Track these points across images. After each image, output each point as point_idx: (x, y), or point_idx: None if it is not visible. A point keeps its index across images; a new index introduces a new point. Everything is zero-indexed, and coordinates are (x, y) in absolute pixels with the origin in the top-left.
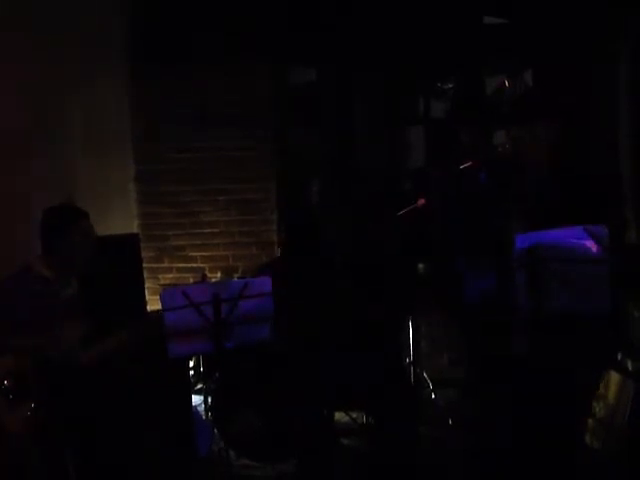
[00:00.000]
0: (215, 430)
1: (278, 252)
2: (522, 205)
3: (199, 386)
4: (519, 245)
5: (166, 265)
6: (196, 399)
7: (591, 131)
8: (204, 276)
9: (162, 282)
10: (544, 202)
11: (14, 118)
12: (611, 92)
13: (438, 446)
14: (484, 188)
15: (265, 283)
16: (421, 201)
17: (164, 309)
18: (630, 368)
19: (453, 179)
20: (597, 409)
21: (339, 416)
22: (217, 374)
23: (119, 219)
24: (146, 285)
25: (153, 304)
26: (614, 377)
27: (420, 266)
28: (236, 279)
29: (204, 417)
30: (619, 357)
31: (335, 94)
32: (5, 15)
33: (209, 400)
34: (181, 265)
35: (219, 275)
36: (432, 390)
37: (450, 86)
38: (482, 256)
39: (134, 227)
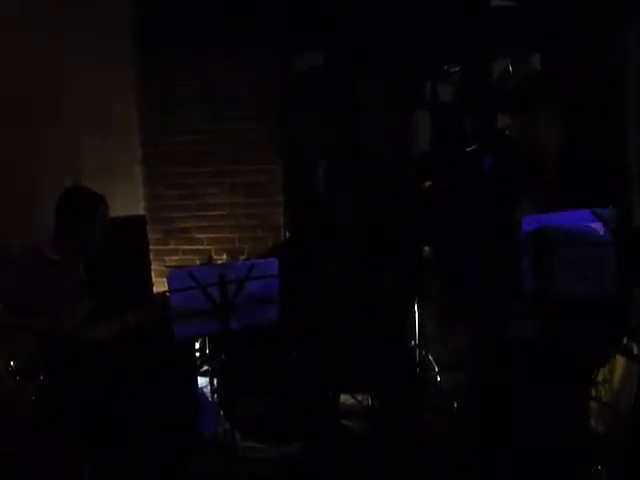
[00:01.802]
0: (220, 412)
1: (284, 235)
2: (527, 188)
3: (205, 368)
4: (526, 228)
5: (172, 247)
6: (202, 381)
7: (598, 114)
8: (210, 258)
9: (168, 264)
10: (550, 185)
11: (19, 101)
12: (620, 77)
13: (442, 429)
14: (489, 172)
15: (271, 265)
16: (427, 184)
17: (170, 290)
18: (636, 352)
19: (456, 165)
20: (602, 393)
21: (344, 398)
22: (223, 356)
23: (125, 201)
24: (152, 267)
25: (159, 286)
26: (620, 361)
27: (426, 249)
28: (242, 261)
29: (209, 399)
30: (625, 341)
31: (341, 77)
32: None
33: (214, 382)
34: (187, 247)
35: (225, 257)
36: (437, 373)
37: (456, 69)
38: (484, 242)
39: (140, 209)
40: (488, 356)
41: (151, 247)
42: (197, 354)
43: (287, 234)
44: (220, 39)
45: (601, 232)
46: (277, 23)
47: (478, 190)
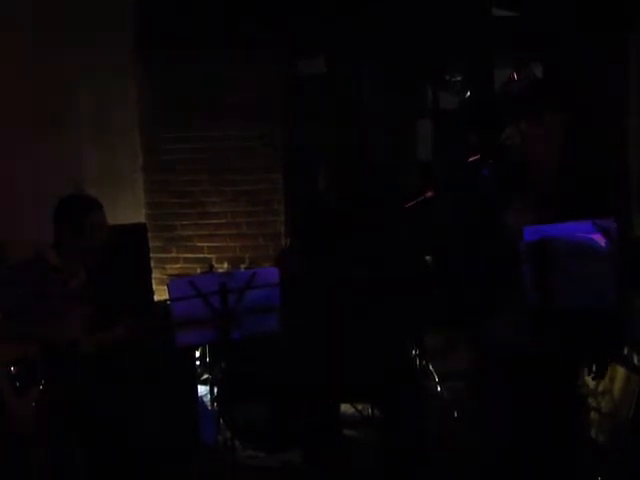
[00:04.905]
0: (220, 420)
1: (285, 243)
2: (527, 199)
3: (205, 376)
4: (527, 238)
5: (173, 255)
6: (202, 389)
7: (599, 125)
8: (211, 266)
9: (169, 272)
10: (551, 196)
11: (21, 107)
12: (620, 87)
13: (442, 439)
14: (487, 183)
15: (272, 274)
16: (429, 193)
17: (171, 299)
18: (636, 362)
19: (458, 175)
20: (602, 403)
21: (345, 408)
22: (223, 364)
23: (127, 209)
24: (153, 275)
25: (160, 294)
26: (620, 371)
27: (427, 258)
28: (243, 269)
29: (209, 407)
30: (625, 351)
31: (343, 85)
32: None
33: (215, 390)
34: (188, 255)
35: (226, 266)
36: (438, 383)
37: (459, 78)
38: (484, 251)
39: (141, 217)
40: (489, 364)
41: (152, 255)
42: (197, 362)
43: (288, 241)
44: (225, 44)
45: (602, 243)
46: (278, 25)
47: (478, 199)
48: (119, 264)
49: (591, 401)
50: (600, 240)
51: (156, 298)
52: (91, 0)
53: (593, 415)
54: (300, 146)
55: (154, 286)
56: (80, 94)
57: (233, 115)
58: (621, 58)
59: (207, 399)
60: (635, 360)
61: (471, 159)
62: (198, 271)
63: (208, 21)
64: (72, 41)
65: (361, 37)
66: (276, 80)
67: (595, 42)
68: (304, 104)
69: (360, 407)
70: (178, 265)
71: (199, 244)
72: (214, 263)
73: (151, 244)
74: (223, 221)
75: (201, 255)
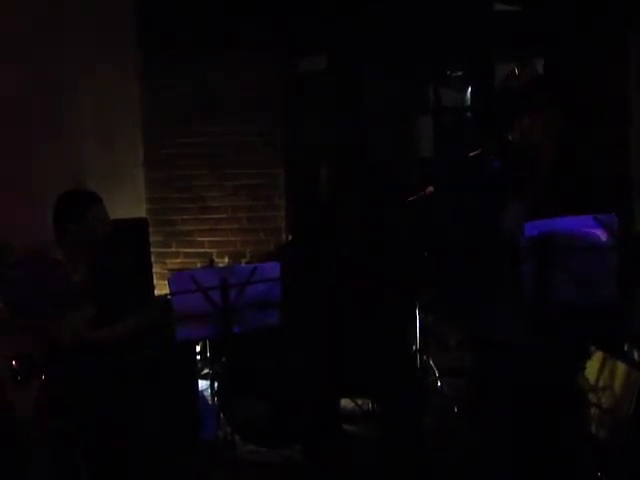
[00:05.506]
0: (221, 415)
1: (285, 238)
2: (527, 196)
3: (206, 371)
4: (528, 233)
5: (174, 250)
6: (202, 384)
7: (599, 123)
8: (212, 261)
9: (170, 267)
10: (550, 193)
11: (24, 102)
12: (620, 86)
13: (443, 435)
14: (497, 176)
15: (274, 268)
16: (429, 189)
17: (172, 293)
18: (637, 358)
19: (458, 170)
20: (603, 399)
21: (344, 402)
22: (224, 359)
23: (127, 204)
24: (154, 270)
25: (161, 289)
26: (620, 367)
27: (426, 254)
28: (244, 264)
29: (210, 402)
30: (626, 347)
31: (343, 80)
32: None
33: (215, 385)
34: (189, 250)
35: (226, 260)
36: (438, 378)
37: (460, 74)
38: (485, 247)
39: (142, 212)
40: (487, 358)
41: (152, 250)
42: (198, 357)
43: (289, 236)
44: (226, 41)
45: (603, 238)
46: (279, 25)
47: (479, 195)
48: (120, 259)
49: (591, 397)
50: (601, 235)
51: (157, 293)
52: (91, 0)
53: (593, 411)
54: (300, 146)
55: (155, 281)
56: (80, 94)
57: (233, 115)
58: (621, 57)
59: (207, 394)
60: (635, 356)
61: (472, 154)
62: (198, 266)
63: (208, 21)
64: (72, 41)
65: (361, 37)
66: (276, 80)
67: (595, 41)
68: (304, 104)
69: (360, 402)
70: (179, 260)
71: (200, 239)
72: (215, 258)
73: (152, 239)
74: (224, 216)
75: (202, 250)
